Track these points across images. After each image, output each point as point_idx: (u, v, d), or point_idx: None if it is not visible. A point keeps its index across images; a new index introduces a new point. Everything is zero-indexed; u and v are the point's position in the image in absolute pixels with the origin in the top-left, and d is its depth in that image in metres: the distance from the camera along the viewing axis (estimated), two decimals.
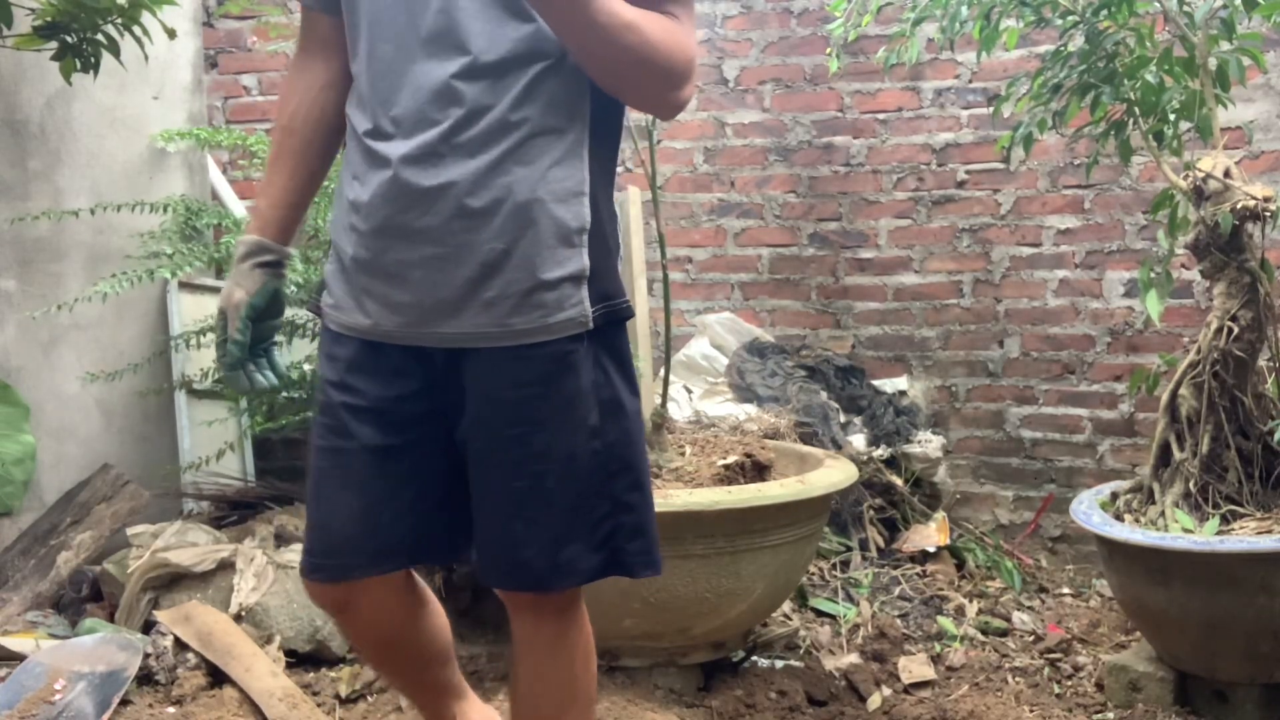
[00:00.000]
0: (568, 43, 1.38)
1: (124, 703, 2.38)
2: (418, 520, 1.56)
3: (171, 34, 2.68)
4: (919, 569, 3.27)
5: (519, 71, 1.42)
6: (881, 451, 3.39)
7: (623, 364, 1.54)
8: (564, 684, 1.60)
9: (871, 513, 3.37)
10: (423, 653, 1.72)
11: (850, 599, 3.06)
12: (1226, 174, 2.45)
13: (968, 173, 3.71)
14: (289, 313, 3.14)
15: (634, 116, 2.61)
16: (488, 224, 1.42)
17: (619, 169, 1.61)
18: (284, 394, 3.12)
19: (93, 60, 2.59)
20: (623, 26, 1.35)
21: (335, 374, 1.55)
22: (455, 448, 1.54)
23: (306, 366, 3.11)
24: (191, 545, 2.76)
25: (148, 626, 2.63)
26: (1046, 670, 2.74)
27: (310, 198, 1.64)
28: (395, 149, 1.45)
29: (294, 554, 2.76)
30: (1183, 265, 3.33)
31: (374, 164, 1.47)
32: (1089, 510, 2.54)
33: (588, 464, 1.48)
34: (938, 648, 2.86)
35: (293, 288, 3.10)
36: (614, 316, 1.51)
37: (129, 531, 2.86)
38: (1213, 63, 2.52)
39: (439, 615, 1.73)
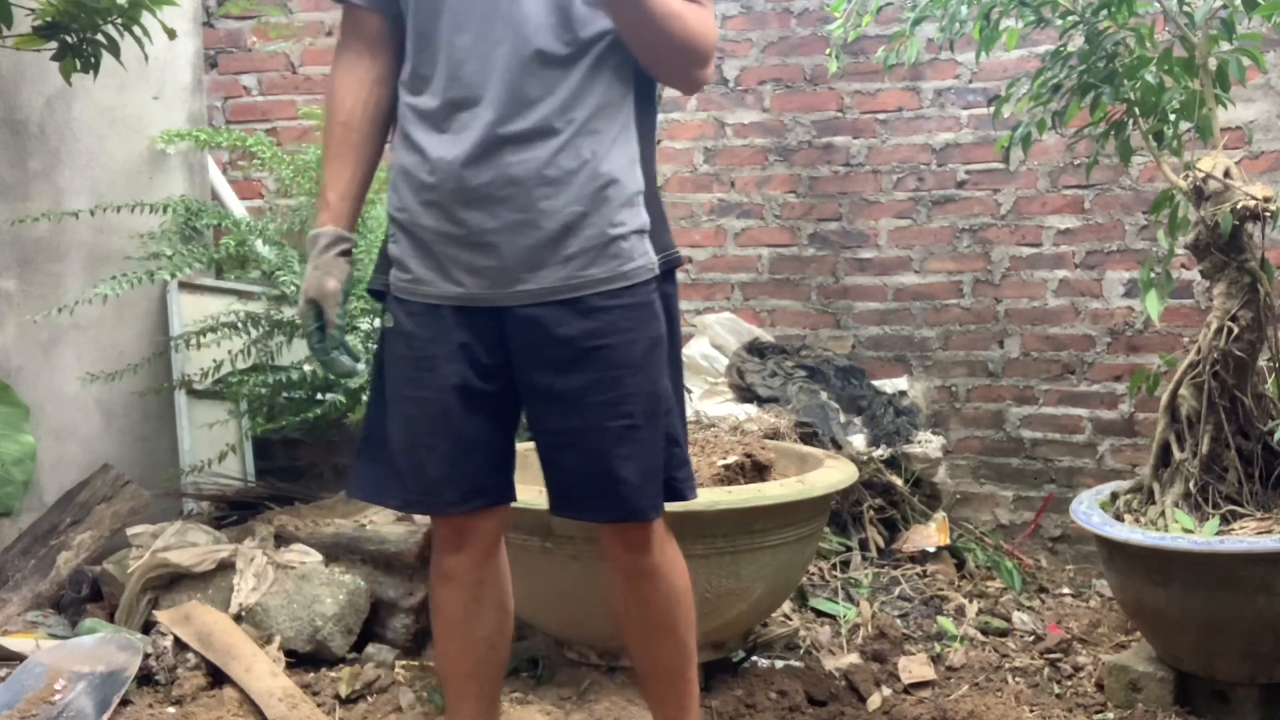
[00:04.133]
0: (624, 32, 1.60)
1: (124, 703, 2.38)
2: (495, 460, 1.75)
3: (171, 34, 2.69)
4: (919, 569, 3.26)
5: (584, 55, 1.62)
6: (881, 451, 3.39)
7: (675, 310, 1.77)
8: (671, 596, 1.80)
9: (871, 513, 3.36)
10: (486, 639, 1.83)
11: (850, 599, 3.06)
12: (1226, 174, 2.45)
13: (968, 173, 3.71)
14: (288, 312, 3.16)
15: None
16: (566, 190, 1.62)
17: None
18: (284, 395, 3.13)
19: (93, 60, 2.59)
20: (670, 16, 1.58)
21: (425, 334, 1.68)
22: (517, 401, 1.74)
23: (307, 368, 3.11)
24: (191, 545, 2.76)
25: (148, 626, 2.63)
26: (1046, 670, 2.74)
27: (368, 187, 1.77)
28: (474, 130, 1.61)
29: (294, 554, 2.76)
30: (1183, 265, 3.33)
31: (451, 144, 1.62)
32: (1089, 510, 2.54)
33: (662, 402, 1.70)
34: (938, 648, 2.86)
35: (292, 287, 3.10)
36: (671, 264, 1.74)
37: (129, 531, 2.86)
38: (1213, 63, 2.52)
39: (508, 612, 1.88)
